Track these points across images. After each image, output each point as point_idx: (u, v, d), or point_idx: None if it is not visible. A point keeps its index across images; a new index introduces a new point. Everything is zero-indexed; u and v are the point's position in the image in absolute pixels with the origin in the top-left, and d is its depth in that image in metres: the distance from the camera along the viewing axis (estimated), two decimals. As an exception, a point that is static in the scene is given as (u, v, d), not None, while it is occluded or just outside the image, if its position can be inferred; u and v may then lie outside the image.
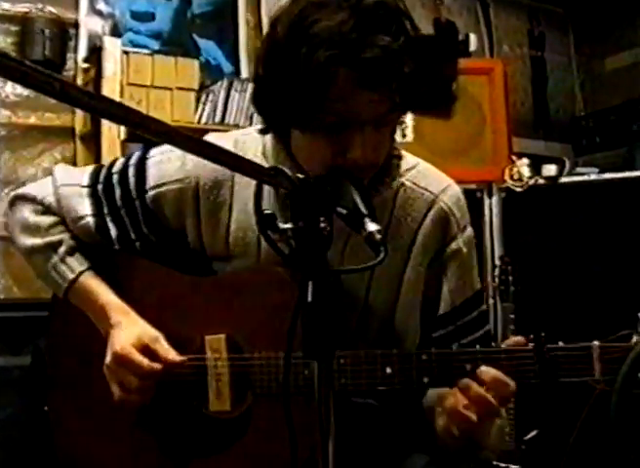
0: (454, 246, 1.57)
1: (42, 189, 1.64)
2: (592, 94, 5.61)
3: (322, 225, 1.04)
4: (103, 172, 1.63)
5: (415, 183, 1.57)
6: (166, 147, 1.60)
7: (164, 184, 1.57)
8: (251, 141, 1.58)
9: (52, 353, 1.72)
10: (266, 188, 1.50)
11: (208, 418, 1.51)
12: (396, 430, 1.60)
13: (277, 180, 1.00)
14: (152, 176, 1.58)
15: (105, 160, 3.52)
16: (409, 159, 1.60)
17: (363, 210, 1.16)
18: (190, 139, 0.88)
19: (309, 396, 1.06)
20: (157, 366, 1.47)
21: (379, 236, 1.10)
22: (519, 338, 1.38)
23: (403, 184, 1.56)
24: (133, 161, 1.62)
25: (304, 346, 1.03)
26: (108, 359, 1.49)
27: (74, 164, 3.81)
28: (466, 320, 1.58)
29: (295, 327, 1.03)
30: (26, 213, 1.63)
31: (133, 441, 1.57)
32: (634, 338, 1.26)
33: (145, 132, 0.79)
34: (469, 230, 1.61)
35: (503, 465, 3.21)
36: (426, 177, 1.59)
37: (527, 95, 5.41)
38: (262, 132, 1.54)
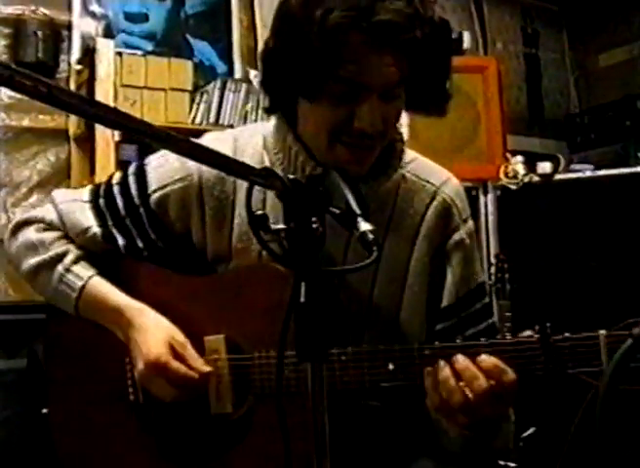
0: (457, 237, 1.57)
1: (42, 211, 1.64)
2: (586, 90, 5.61)
3: (314, 226, 1.03)
4: (103, 186, 1.63)
5: (416, 175, 1.58)
6: (162, 151, 1.60)
7: (166, 185, 1.57)
8: (250, 137, 1.58)
9: (50, 356, 1.70)
10: None
11: (209, 420, 1.50)
12: (401, 433, 1.58)
13: (268, 181, 1.00)
14: (154, 180, 1.58)
15: (100, 162, 3.54)
16: (407, 153, 1.60)
17: (356, 209, 1.16)
18: (182, 141, 0.87)
19: (304, 396, 1.06)
20: (193, 374, 1.45)
21: (371, 236, 1.09)
22: (529, 333, 1.36)
23: (404, 176, 1.57)
24: (131, 170, 1.62)
25: (297, 347, 1.02)
26: (142, 367, 1.46)
27: (68, 166, 3.85)
28: (470, 312, 1.57)
29: (287, 328, 1.02)
30: (29, 233, 1.63)
31: (133, 444, 1.57)
32: (636, 329, 1.24)
33: (136, 134, 0.79)
34: (471, 222, 1.61)
35: (501, 463, 3.21)
36: (427, 170, 1.60)
37: (521, 92, 5.41)
38: (268, 111, 1.54)
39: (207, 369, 1.47)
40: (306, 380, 1.04)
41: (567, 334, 1.28)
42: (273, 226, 1.05)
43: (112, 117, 0.73)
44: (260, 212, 1.07)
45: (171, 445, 1.54)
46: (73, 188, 3.56)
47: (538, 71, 5.52)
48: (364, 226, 1.11)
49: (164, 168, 1.58)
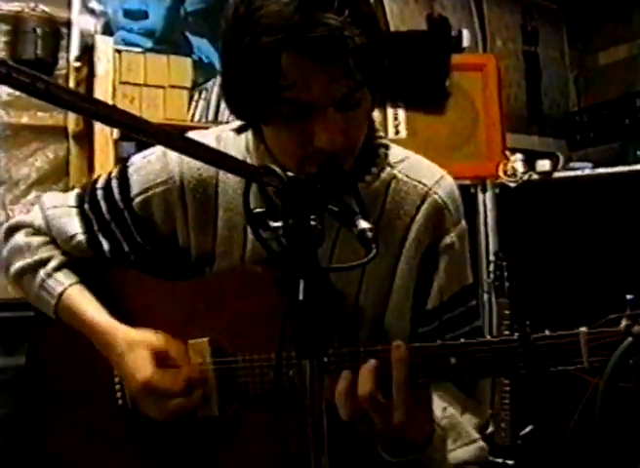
0: (447, 240, 1.53)
1: (32, 215, 1.65)
2: (586, 88, 5.61)
3: (313, 223, 1.03)
4: (88, 191, 1.62)
5: (407, 175, 1.53)
6: (146, 152, 1.59)
7: (149, 189, 1.55)
8: (234, 137, 1.55)
9: (38, 358, 1.70)
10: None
11: (196, 424, 1.49)
12: None
13: (267, 179, 1.00)
14: (136, 183, 1.57)
15: (99, 159, 3.55)
16: (399, 151, 1.57)
17: (354, 207, 1.16)
18: (181, 139, 0.87)
19: (294, 396, 1.05)
20: (180, 385, 1.44)
21: (370, 234, 1.10)
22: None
23: (395, 177, 1.52)
24: (114, 173, 1.61)
25: (296, 346, 1.02)
26: (134, 392, 1.46)
27: (67, 163, 3.85)
28: (452, 315, 1.54)
29: (285, 326, 1.02)
30: (18, 237, 1.64)
31: (122, 447, 1.56)
32: (623, 322, 1.22)
33: (133, 131, 0.78)
34: (463, 223, 1.58)
35: (499, 460, 3.21)
36: (419, 169, 1.56)
37: (520, 90, 5.40)
38: (239, 130, 1.52)
39: (189, 369, 1.47)
40: (299, 382, 1.04)
41: (547, 332, 1.25)
42: (272, 224, 1.05)
43: (110, 114, 0.72)
44: (258, 209, 1.07)
45: (159, 448, 1.53)
46: (72, 185, 3.60)
47: (537, 69, 5.52)
48: (362, 224, 1.11)
49: (146, 170, 1.56)
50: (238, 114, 1.43)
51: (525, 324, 1.29)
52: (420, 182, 1.53)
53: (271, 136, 1.40)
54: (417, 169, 1.56)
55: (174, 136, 0.85)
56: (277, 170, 1.01)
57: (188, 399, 1.45)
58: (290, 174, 1.03)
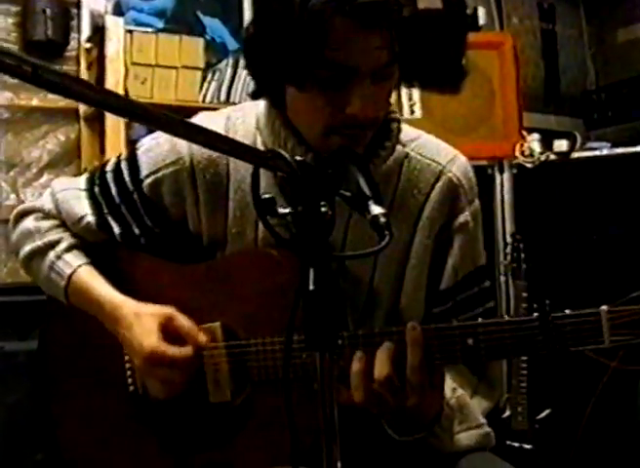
0: (462, 219, 1.52)
1: (41, 200, 1.64)
2: (604, 67, 5.52)
3: (323, 209, 0.99)
4: (98, 174, 1.61)
5: (420, 154, 1.53)
6: (155, 134, 1.57)
7: (159, 170, 1.53)
8: (243, 117, 1.54)
9: (48, 346, 1.69)
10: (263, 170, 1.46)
11: (208, 410, 1.47)
12: None
13: (274, 164, 0.96)
14: (145, 165, 1.55)
15: (110, 141, 3.54)
16: (410, 130, 1.56)
17: (367, 192, 1.12)
18: (182, 124, 0.83)
19: (307, 380, 1.02)
20: (188, 350, 1.42)
21: (383, 219, 1.07)
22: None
23: (407, 155, 1.52)
24: (124, 155, 1.60)
25: (306, 337, 0.98)
26: (140, 363, 1.44)
27: (79, 145, 3.83)
28: (466, 295, 1.53)
29: (294, 316, 0.99)
30: (27, 222, 1.63)
31: (132, 437, 1.55)
32: None
33: (132, 117, 0.74)
34: (477, 202, 1.57)
35: (516, 444, 3.19)
36: (432, 148, 1.55)
37: (537, 68, 5.32)
38: (254, 96, 1.49)
39: (202, 338, 1.44)
40: (310, 366, 1.01)
41: (567, 311, 1.23)
42: (280, 210, 1.01)
43: (103, 99, 0.68)
44: (267, 195, 1.03)
45: (171, 434, 1.51)
46: (84, 168, 3.58)
47: (554, 47, 5.43)
48: (376, 209, 1.08)
49: (154, 151, 1.54)
50: (265, 80, 1.42)
51: (544, 302, 1.25)
52: (433, 161, 1.53)
53: (299, 104, 1.39)
54: (430, 147, 1.55)
55: (175, 122, 0.81)
56: (285, 154, 0.97)
57: (191, 373, 1.43)
58: (298, 158, 0.99)
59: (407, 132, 1.55)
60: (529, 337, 1.23)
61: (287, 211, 1.01)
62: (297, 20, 1.24)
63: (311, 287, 0.97)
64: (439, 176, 1.51)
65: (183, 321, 1.44)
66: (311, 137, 1.41)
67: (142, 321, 1.44)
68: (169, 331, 1.43)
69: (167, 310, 1.45)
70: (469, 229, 1.53)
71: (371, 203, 1.10)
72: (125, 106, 0.72)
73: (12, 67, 0.56)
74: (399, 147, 1.51)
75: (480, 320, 1.29)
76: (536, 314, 1.24)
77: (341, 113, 1.32)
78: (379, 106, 1.37)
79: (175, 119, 0.78)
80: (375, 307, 1.52)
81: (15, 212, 1.67)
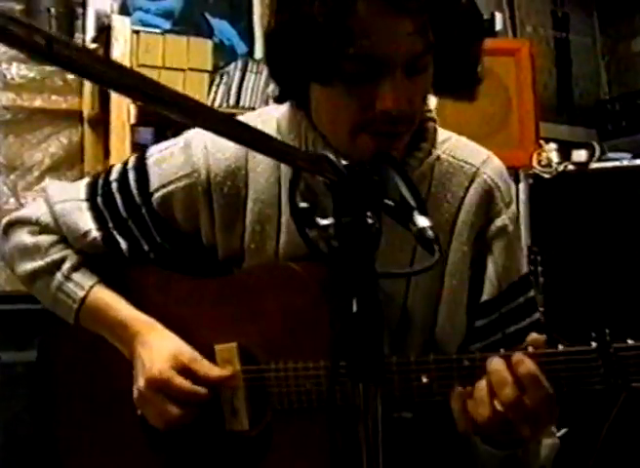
0: (499, 222, 1.42)
1: (36, 210, 1.53)
2: (618, 76, 5.48)
3: (370, 221, 0.88)
4: (101, 182, 1.50)
5: (452, 156, 1.43)
6: (166, 142, 1.48)
7: (170, 183, 1.43)
8: (263, 122, 1.43)
9: (51, 365, 1.60)
10: (283, 175, 1.36)
11: (224, 438, 1.37)
12: (435, 446, 1.44)
13: (321, 168, 0.84)
14: (156, 176, 1.44)
15: (114, 145, 3.44)
16: (441, 131, 1.46)
17: (411, 202, 1.01)
18: (216, 115, 0.71)
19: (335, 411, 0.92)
20: (202, 390, 1.33)
21: (431, 233, 0.96)
22: (537, 336, 1.21)
23: (439, 157, 1.42)
24: (131, 164, 1.49)
25: (348, 367, 0.87)
26: (142, 383, 1.34)
27: (82, 149, 3.75)
28: (512, 306, 1.42)
29: (338, 343, 0.88)
30: (22, 236, 1.51)
31: (142, 462, 1.45)
32: None
33: (154, 103, 0.63)
34: (513, 206, 1.47)
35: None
36: (464, 149, 1.45)
37: (550, 77, 5.27)
38: (278, 99, 1.40)
39: (225, 372, 1.35)
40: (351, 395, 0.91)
41: (630, 342, 1.12)
42: (321, 222, 0.90)
43: (127, 80, 0.58)
44: (304, 204, 0.92)
45: (182, 463, 1.41)
46: (87, 172, 3.51)
47: (568, 56, 5.39)
48: (422, 222, 0.98)
49: (167, 163, 1.44)
50: (288, 79, 1.32)
51: (604, 331, 1.14)
52: (466, 162, 1.43)
53: (324, 103, 1.29)
54: (462, 149, 1.45)
55: (204, 111, 0.69)
56: (332, 157, 0.85)
57: (193, 411, 1.34)
58: (344, 162, 0.88)
59: (438, 133, 1.45)
60: (587, 370, 1.13)
61: (328, 222, 0.90)
62: (317, 9, 1.15)
63: (355, 309, 0.86)
64: (473, 179, 1.42)
65: (205, 362, 1.37)
66: (338, 140, 1.31)
67: (167, 344, 1.37)
68: (185, 369, 1.35)
69: (197, 355, 1.37)
70: (509, 233, 1.44)
71: (416, 214, 0.99)
72: (155, 91, 0.60)
73: (23, 39, 0.45)
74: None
75: (530, 349, 1.19)
76: (594, 344, 1.13)
77: (371, 110, 1.22)
78: (412, 103, 1.25)
79: (218, 113, 0.67)
80: (409, 327, 1.41)
81: (5, 221, 1.56)
